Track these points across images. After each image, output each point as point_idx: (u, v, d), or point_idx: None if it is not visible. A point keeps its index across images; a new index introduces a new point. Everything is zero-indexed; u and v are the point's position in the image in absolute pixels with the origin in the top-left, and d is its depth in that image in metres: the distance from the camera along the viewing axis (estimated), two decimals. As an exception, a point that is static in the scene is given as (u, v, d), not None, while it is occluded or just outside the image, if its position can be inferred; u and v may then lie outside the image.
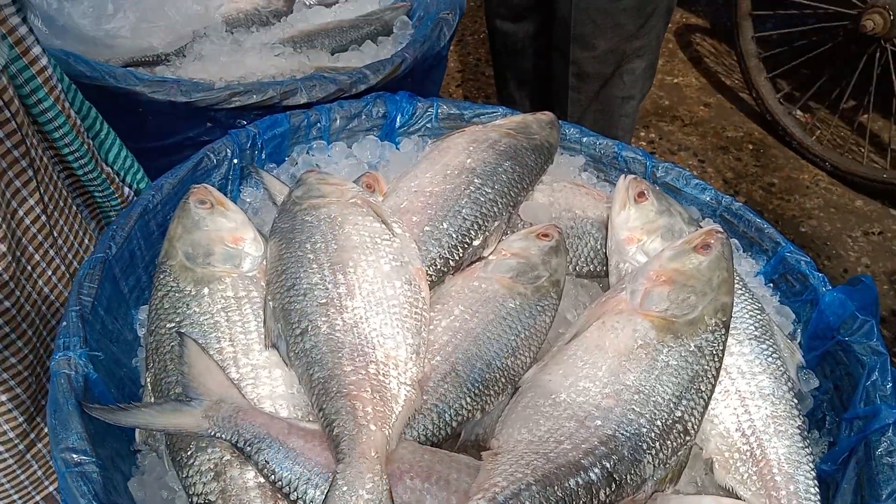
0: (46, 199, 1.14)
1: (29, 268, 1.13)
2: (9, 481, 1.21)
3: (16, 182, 1.07)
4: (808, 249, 2.30)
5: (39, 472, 1.24)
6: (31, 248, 1.13)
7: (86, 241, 1.25)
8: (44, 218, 1.13)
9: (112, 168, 1.32)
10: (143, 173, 1.38)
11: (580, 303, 1.24)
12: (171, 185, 1.15)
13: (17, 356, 1.12)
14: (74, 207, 1.24)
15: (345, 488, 0.80)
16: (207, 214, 1.10)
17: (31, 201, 1.10)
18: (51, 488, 1.26)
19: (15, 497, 1.23)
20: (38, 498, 1.26)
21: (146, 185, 1.29)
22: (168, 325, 0.99)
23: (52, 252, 1.16)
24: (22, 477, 1.22)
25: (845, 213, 2.53)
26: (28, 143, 1.07)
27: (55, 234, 1.17)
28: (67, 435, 0.83)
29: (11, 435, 1.17)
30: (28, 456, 1.21)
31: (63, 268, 1.19)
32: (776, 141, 2.78)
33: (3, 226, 1.04)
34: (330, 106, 1.38)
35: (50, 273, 1.16)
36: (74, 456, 0.81)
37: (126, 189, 1.35)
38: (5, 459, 1.19)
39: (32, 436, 1.20)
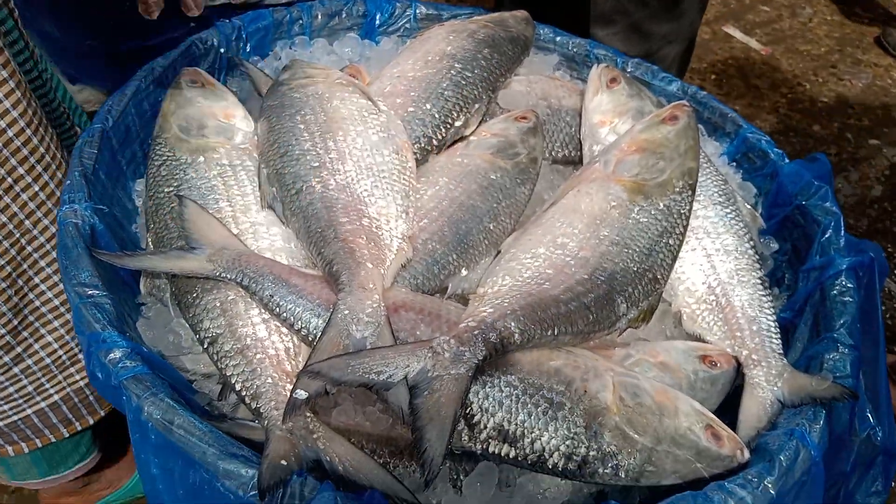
0: (31, 113, 1.15)
1: (10, 180, 1.15)
2: None
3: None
4: None
5: (30, 388, 1.27)
6: (13, 161, 1.15)
7: (64, 164, 1.27)
8: (29, 132, 1.14)
9: (64, 105, 1.35)
10: (86, 117, 1.41)
11: (556, 185, 1.30)
12: (163, 68, 1.18)
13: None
14: (51, 129, 1.25)
15: (346, 312, 0.87)
16: (199, 92, 1.14)
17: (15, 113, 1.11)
18: (42, 404, 1.29)
19: (7, 409, 1.27)
20: (29, 412, 1.29)
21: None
22: (167, 190, 1.04)
23: (38, 167, 1.17)
24: (11, 390, 1.25)
25: None
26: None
27: (41, 149, 1.18)
28: (79, 272, 0.88)
29: None
30: (16, 370, 1.24)
31: (47, 180, 1.20)
32: None
33: None
34: (311, 3, 1.41)
35: (36, 187, 1.17)
36: (87, 289, 0.86)
37: (77, 129, 1.38)
38: None
39: (19, 349, 1.23)
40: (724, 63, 2.93)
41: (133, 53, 1.46)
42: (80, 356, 1.30)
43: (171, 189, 1.03)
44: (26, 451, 1.31)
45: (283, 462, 0.76)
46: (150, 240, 1.02)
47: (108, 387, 0.82)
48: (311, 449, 0.81)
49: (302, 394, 0.80)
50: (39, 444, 1.31)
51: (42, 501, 1.52)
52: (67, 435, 1.32)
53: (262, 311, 0.92)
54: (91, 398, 1.33)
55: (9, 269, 1.15)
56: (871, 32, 3.22)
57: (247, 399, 0.87)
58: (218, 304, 0.92)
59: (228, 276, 0.91)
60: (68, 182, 0.97)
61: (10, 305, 1.17)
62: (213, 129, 1.10)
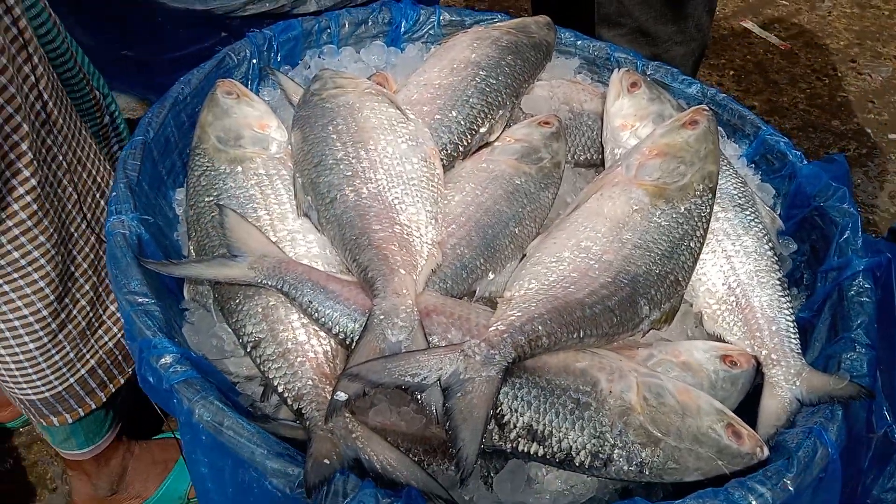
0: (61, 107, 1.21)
1: (55, 149, 1.19)
2: (45, 360, 1.28)
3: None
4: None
5: (72, 355, 1.31)
6: (49, 141, 1.18)
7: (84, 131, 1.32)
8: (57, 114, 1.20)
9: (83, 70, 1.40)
10: (108, 89, 1.46)
11: (578, 188, 1.33)
12: (199, 80, 1.23)
13: (45, 234, 1.18)
14: (74, 115, 1.31)
15: (382, 317, 0.91)
16: (235, 103, 1.18)
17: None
18: (83, 371, 1.33)
19: (51, 377, 1.31)
20: (72, 381, 1.33)
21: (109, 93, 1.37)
22: (207, 199, 1.09)
23: (76, 136, 1.22)
24: (56, 357, 1.30)
25: None
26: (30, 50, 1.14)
27: (71, 123, 1.23)
28: (129, 281, 0.93)
29: (45, 313, 1.24)
30: (60, 336, 1.28)
31: (91, 150, 1.25)
32: None
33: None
34: (339, 12, 1.45)
35: (87, 156, 1.21)
36: (137, 297, 0.91)
37: (95, 93, 1.42)
38: (41, 338, 1.26)
39: (63, 316, 1.27)
40: (742, 59, 2.94)
41: (165, 63, 1.51)
42: (105, 317, 1.35)
43: (211, 198, 1.08)
44: (70, 421, 1.35)
45: (326, 461, 0.81)
46: (191, 247, 1.07)
47: (159, 391, 0.87)
48: (351, 448, 0.86)
49: (342, 395, 0.84)
50: (82, 414, 1.35)
51: None
52: (105, 399, 1.36)
53: (302, 316, 0.97)
54: (120, 357, 1.38)
55: (56, 236, 1.20)
56: (891, 25, 3.21)
57: (289, 401, 0.92)
58: (260, 310, 0.97)
59: (269, 282, 0.96)
60: (114, 194, 1.02)
61: (58, 272, 1.22)
62: (250, 139, 1.15)
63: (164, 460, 1.60)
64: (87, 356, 1.32)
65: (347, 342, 0.95)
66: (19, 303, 1.21)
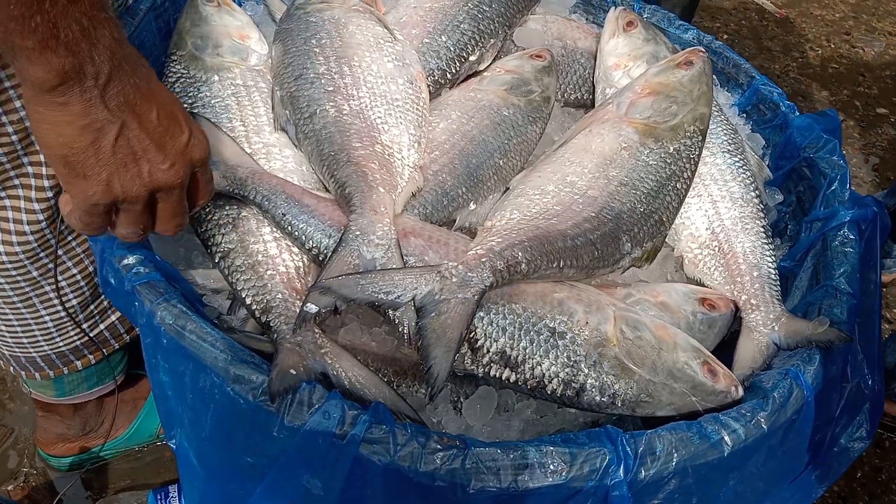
0: None
1: None
2: (54, 324, 1.22)
3: None
4: None
5: (105, 303, 1.26)
6: None
7: None
8: None
9: None
10: None
11: (566, 128, 1.30)
12: (177, -15, 1.17)
13: None
14: None
15: (357, 233, 0.88)
16: (215, 11, 1.13)
17: None
18: (113, 317, 1.28)
19: (86, 328, 1.25)
20: (102, 327, 1.27)
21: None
22: (180, 107, 1.04)
23: None
24: (92, 307, 1.24)
25: None
26: None
27: None
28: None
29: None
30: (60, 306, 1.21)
31: None
32: None
33: None
34: (329, -71, 1.38)
35: None
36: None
37: None
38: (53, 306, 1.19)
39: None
40: (737, 24, 2.90)
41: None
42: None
43: (185, 106, 1.03)
44: (93, 362, 1.30)
45: (293, 371, 0.78)
46: (162, 155, 1.02)
47: (120, 292, 0.83)
48: (318, 362, 0.83)
49: (312, 307, 0.81)
50: (106, 353, 1.30)
51: (38, 445, 1.53)
52: (128, 340, 1.31)
53: (274, 229, 0.93)
54: (119, 327, 1.32)
55: None
56: (888, 1, 3.19)
57: (257, 313, 0.89)
58: (230, 220, 0.93)
59: (241, 192, 0.92)
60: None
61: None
62: (228, 48, 1.10)
63: (134, 398, 1.56)
64: (88, 331, 1.26)
65: (321, 258, 0.91)
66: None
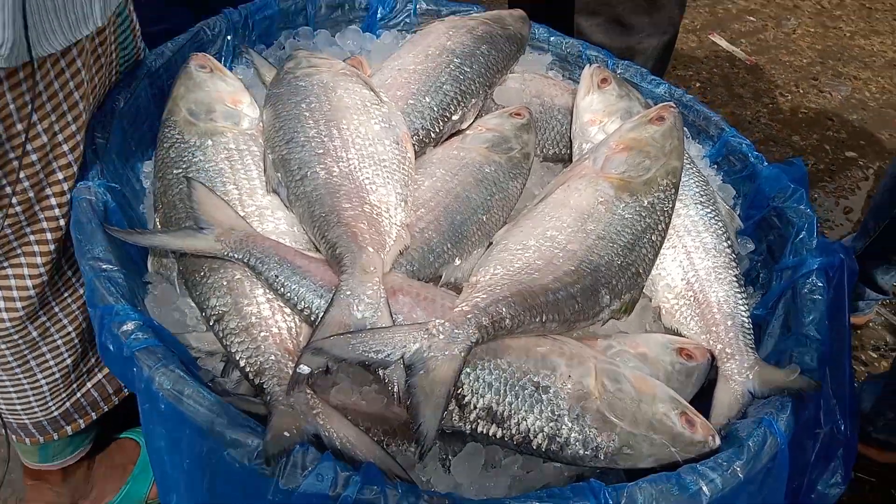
0: None
1: None
2: (49, 387, 1.23)
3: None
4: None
5: (92, 360, 1.26)
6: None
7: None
8: None
9: None
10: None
11: (546, 182, 1.35)
12: (172, 52, 1.22)
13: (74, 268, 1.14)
14: None
15: (348, 293, 0.91)
16: (208, 77, 1.17)
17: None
18: (99, 375, 1.29)
19: (74, 387, 1.26)
20: (89, 385, 1.28)
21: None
22: (175, 172, 1.08)
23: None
24: (83, 366, 1.25)
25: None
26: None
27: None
28: (93, 247, 0.91)
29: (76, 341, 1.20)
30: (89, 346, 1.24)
31: None
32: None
33: None
34: (316, -5, 1.45)
35: None
36: (101, 264, 0.90)
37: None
38: (51, 371, 1.21)
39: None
40: (708, 71, 3.00)
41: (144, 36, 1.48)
42: (92, 355, 1.28)
43: (180, 171, 1.07)
44: (82, 426, 1.30)
45: (287, 433, 0.81)
46: (157, 220, 1.06)
47: (119, 358, 0.86)
48: (311, 424, 0.86)
49: (305, 368, 0.84)
50: (95, 417, 1.30)
51: None
52: (117, 402, 1.32)
53: (267, 290, 0.96)
54: (108, 389, 1.32)
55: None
56: (852, 46, 3.31)
57: (250, 375, 0.91)
58: (224, 283, 0.96)
59: (236, 255, 0.96)
60: (81, 160, 1.00)
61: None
62: (221, 113, 1.14)
63: (124, 463, 1.56)
64: (76, 391, 1.27)
65: (312, 318, 0.95)
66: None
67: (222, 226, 0.98)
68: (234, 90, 1.18)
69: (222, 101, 1.15)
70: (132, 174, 1.13)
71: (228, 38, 1.32)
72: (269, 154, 1.10)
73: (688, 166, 1.28)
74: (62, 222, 1.05)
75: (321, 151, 1.09)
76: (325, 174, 1.06)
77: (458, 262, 1.12)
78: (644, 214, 1.14)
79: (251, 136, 1.14)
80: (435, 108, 1.26)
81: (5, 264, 1.04)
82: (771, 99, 2.94)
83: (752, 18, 3.35)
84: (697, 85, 2.92)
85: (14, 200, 0.97)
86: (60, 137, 0.98)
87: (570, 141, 1.39)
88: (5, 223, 0.99)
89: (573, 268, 1.05)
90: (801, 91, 3.01)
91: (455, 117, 1.28)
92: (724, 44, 3.16)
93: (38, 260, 1.06)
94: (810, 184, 2.54)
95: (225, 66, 1.33)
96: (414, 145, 1.21)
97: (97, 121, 1.06)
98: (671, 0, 1.85)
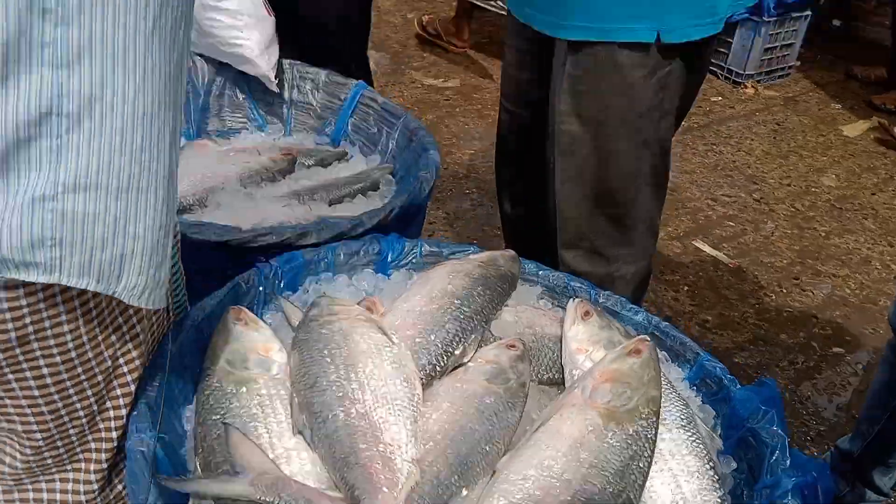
0: None
1: None
2: None
3: None
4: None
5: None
6: None
7: None
8: None
9: None
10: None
11: (543, 405, 1.50)
12: (212, 306, 1.42)
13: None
14: None
15: (366, 532, 1.03)
16: (243, 329, 1.37)
17: None
18: None
19: None
20: None
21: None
22: (214, 418, 1.23)
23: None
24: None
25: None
26: None
27: None
28: (145, 497, 1.05)
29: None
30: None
31: None
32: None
33: None
34: (335, 245, 1.69)
35: None
36: (152, 512, 1.03)
37: None
38: None
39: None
40: (695, 275, 3.24)
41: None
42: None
43: (218, 417, 1.22)
44: None
45: None
46: (197, 462, 1.20)
47: None
48: None
49: None
50: None
51: None
52: None
53: (295, 531, 1.08)
54: None
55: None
56: (828, 245, 3.58)
57: None
58: (257, 523, 1.09)
59: (268, 498, 1.08)
60: (135, 413, 1.16)
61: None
62: (255, 362, 1.32)
63: None
64: None
65: (333, 555, 1.06)
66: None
67: (256, 470, 1.12)
68: (266, 339, 1.37)
69: (255, 351, 1.33)
70: (175, 418, 1.29)
71: (261, 289, 1.53)
72: (295, 398, 1.26)
73: (668, 390, 1.43)
74: (115, 434, 1.18)
75: (340, 394, 1.25)
76: (344, 416, 1.22)
77: (465, 492, 1.24)
78: (630, 442, 1.27)
79: (279, 380, 1.31)
80: (439, 345, 1.43)
81: (68, 466, 1.16)
82: (757, 299, 3.14)
83: (731, 223, 3.65)
84: (685, 288, 3.14)
85: (81, 413, 1.11)
86: (122, 360, 1.15)
87: (562, 366, 1.55)
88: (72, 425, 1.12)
89: (569, 498, 1.17)
90: (785, 290, 3.22)
91: (457, 352, 1.45)
92: (707, 249, 3.43)
93: (92, 466, 1.18)
94: (802, 382, 2.68)
95: (257, 311, 1.54)
96: (422, 378, 1.37)
97: (149, 372, 1.23)
98: (644, 233, 2.11)
